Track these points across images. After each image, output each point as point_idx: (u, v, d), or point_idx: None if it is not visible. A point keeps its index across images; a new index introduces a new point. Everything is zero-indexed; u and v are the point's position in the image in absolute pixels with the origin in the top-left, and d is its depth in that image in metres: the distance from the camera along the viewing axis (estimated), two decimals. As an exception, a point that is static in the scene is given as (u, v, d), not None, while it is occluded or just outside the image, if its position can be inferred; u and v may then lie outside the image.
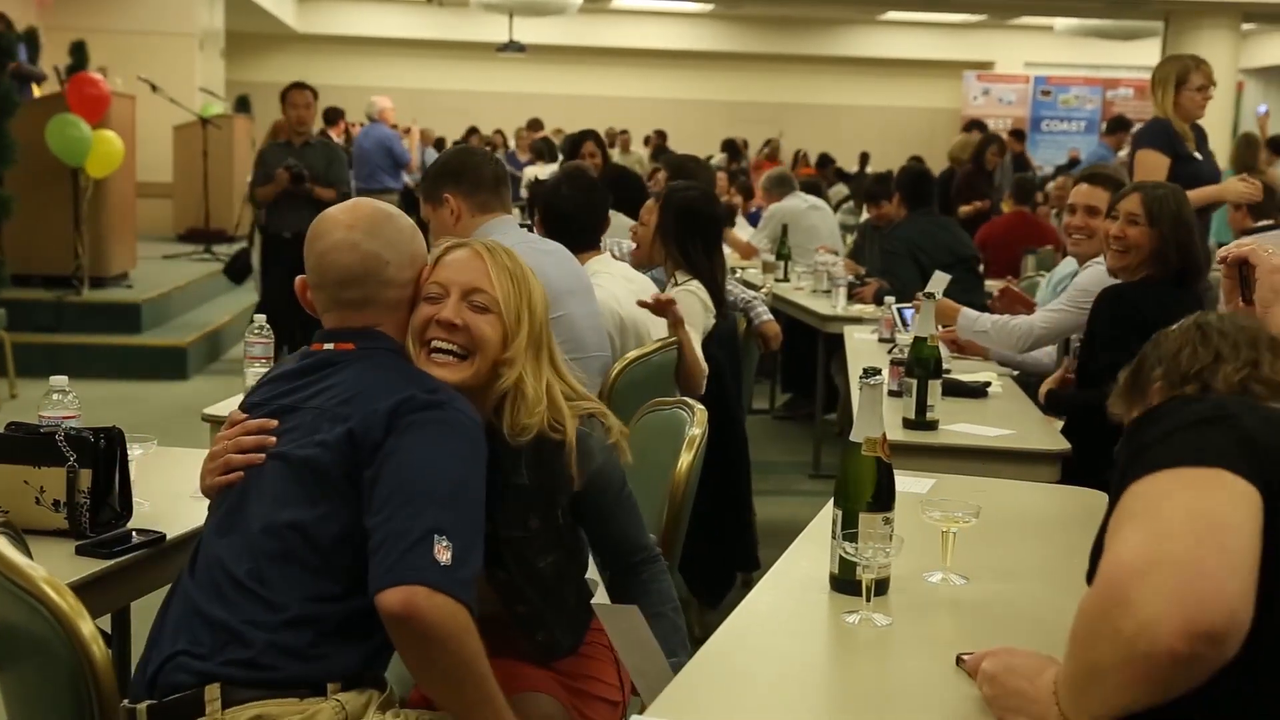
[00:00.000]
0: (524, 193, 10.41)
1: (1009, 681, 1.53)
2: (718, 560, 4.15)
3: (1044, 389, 3.69)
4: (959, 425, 3.38)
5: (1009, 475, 3.00)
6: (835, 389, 6.27)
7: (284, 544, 1.86)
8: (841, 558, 1.98)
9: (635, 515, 2.25)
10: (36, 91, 9.61)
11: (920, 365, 3.31)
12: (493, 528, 2.02)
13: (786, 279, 7.01)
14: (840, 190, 12.74)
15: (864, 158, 17.47)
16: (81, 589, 1.93)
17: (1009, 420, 3.51)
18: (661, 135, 16.69)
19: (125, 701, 1.84)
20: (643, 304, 3.72)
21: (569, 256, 3.41)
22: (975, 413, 3.56)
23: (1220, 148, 10.22)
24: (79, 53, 9.65)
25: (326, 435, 1.89)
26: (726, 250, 5.06)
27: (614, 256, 4.10)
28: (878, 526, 1.95)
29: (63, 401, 2.51)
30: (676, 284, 4.12)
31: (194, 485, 2.06)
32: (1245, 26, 17.36)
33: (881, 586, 1.97)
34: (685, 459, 2.73)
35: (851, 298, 6.03)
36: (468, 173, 3.30)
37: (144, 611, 2.14)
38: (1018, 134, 14.17)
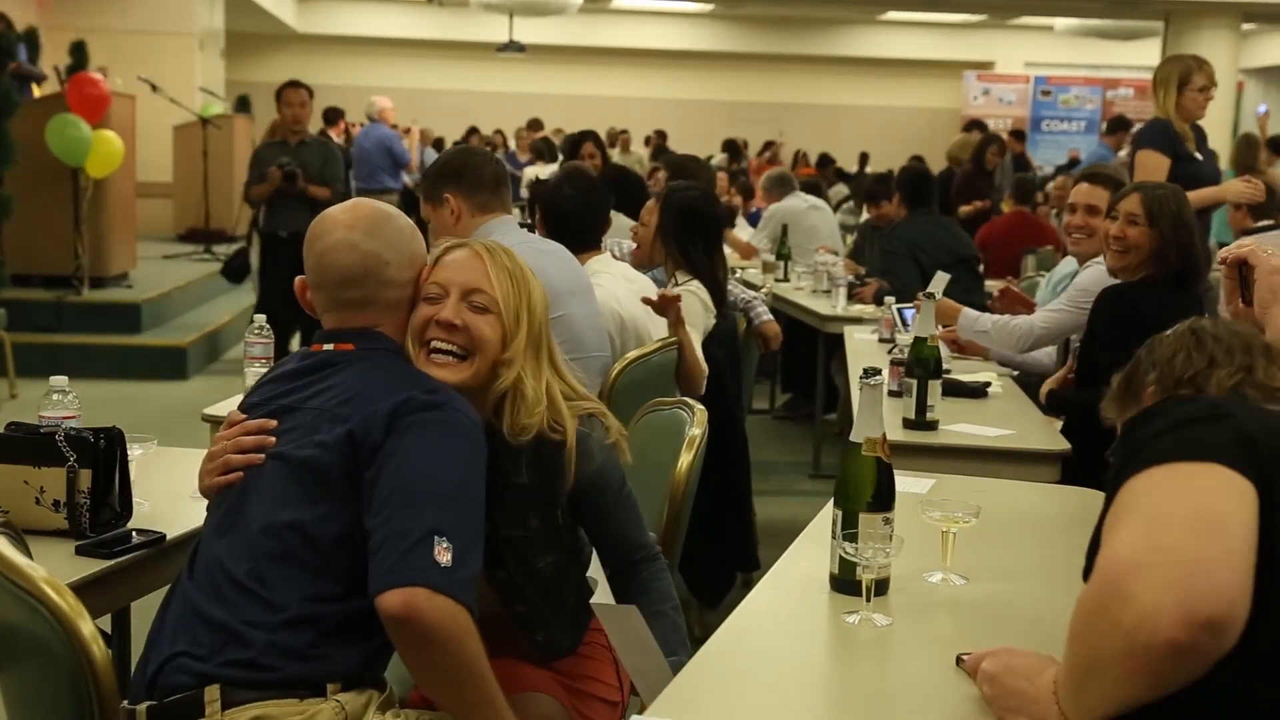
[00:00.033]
0: (524, 193, 10.41)
1: (1009, 681, 1.53)
2: (718, 560, 4.15)
3: (1045, 389, 3.69)
4: (959, 425, 3.38)
5: (1009, 475, 3.00)
6: (835, 389, 6.27)
7: (283, 544, 1.86)
8: (841, 558, 1.98)
9: (635, 514, 2.25)
10: (36, 91, 9.61)
11: (920, 365, 3.31)
12: (492, 527, 2.02)
13: (786, 279, 7.01)
14: (840, 190, 12.74)
15: (863, 158, 17.48)
16: (81, 589, 1.93)
17: (1009, 420, 3.51)
18: (661, 135, 16.70)
19: (125, 702, 1.84)
20: (647, 301, 3.72)
21: (569, 256, 3.42)
22: (975, 413, 3.56)
23: (1220, 148, 10.20)
24: (79, 53, 9.65)
25: (326, 436, 1.89)
26: (727, 250, 5.06)
27: (614, 257, 4.10)
28: (878, 527, 1.95)
29: (63, 401, 2.51)
30: (677, 284, 4.12)
31: (194, 485, 2.06)
32: (1245, 26, 17.37)
33: (881, 587, 1.97)
34: (685, 459, 2.73)
35: (851, 298, 6.03)
36: (468, 173, 3.30)
37: (144, 611, 2.14)
38: (1018, 134, 14.17)
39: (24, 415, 2.54)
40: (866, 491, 1.98)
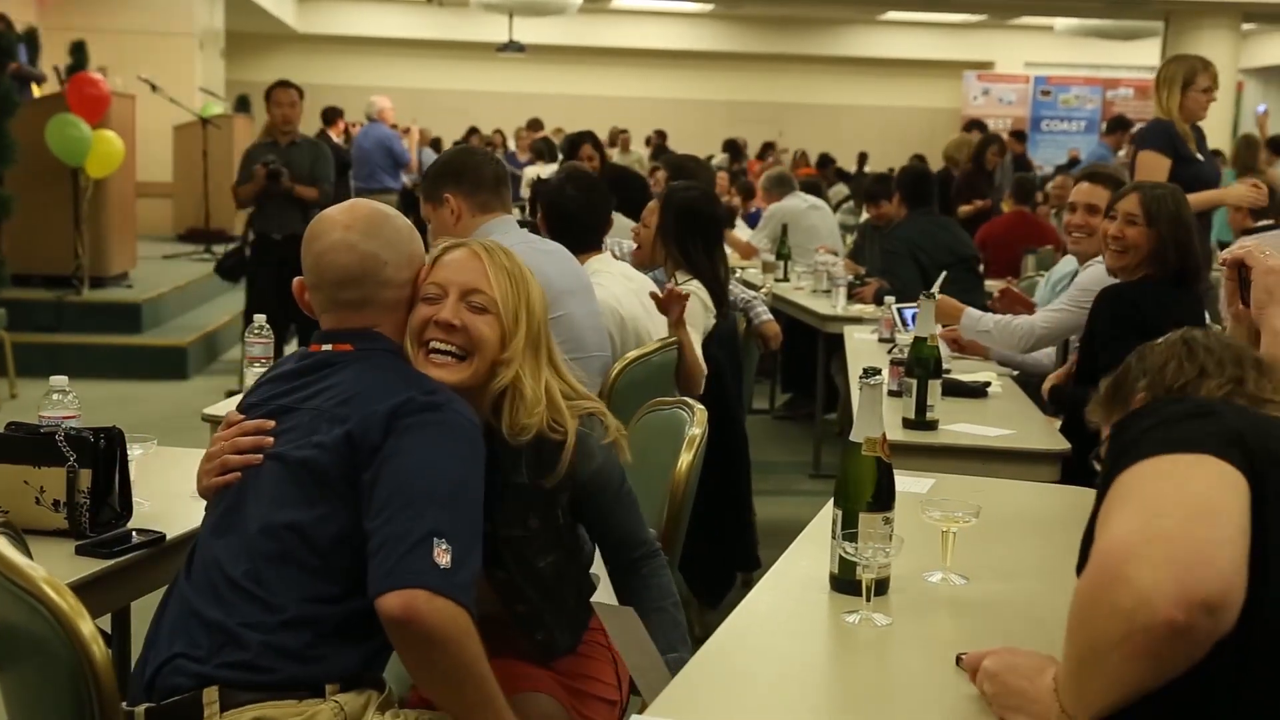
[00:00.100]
0: (524, 193, 10.41)
1: (1010, 680, 1.54)
2: (718, 560, 4.16)
3: (1048, 384, 3.69)
4: (959, 425, 3.38)
5: (1009, 475, 3.00)
6: (835, 389, 6.27)
7: (282, 545, 1.86)
8: (841, 557, 1.98)
9: (635, 511, 2.25)
10: (36, 92, 9.61)
11: (920, 365, 3.31)
12: (492, 527, 2.02)
13: (786, 279, 7.01)
14: (840, 190, 12.74)
15: (862, 157, 17.48)
16: (81, 589, 1.93)
17: (1009, 420, 3.51)
18: (661, 135, 16.69)
19: (124, 704, 1.84)
20: (654, 295, 3.73)
21: (569, 256, 3.41)
22: (975, 413, 3.56)
23: (1220, 147, 10.22)
24: (79, 53, 9.65)
25: (324, 437, 1.89)
26: (727, 250, 5.06)
27: (615, 257, 4.10)
28: (878, 526, 1.95)
29: (63, 401, 2.51)
30: (677, 284, 4.12)
31: (194, 485, 2.06)
32: (1245, 26, 17.37)
33: (881, 586, 1.97)
34: (685, 459, 2.73)
35: (851, 298, 6.04)
36: (468, 173, 3.30)
37: (144, 611, 2.14)
38: (1018, 134, 14.17)
39: (24, 415, 2.54)
40: (866, 491, 1.98)
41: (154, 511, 2.41)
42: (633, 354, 3.51)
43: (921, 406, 3.31)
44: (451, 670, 1.78)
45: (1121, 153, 10.46)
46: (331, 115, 11.99)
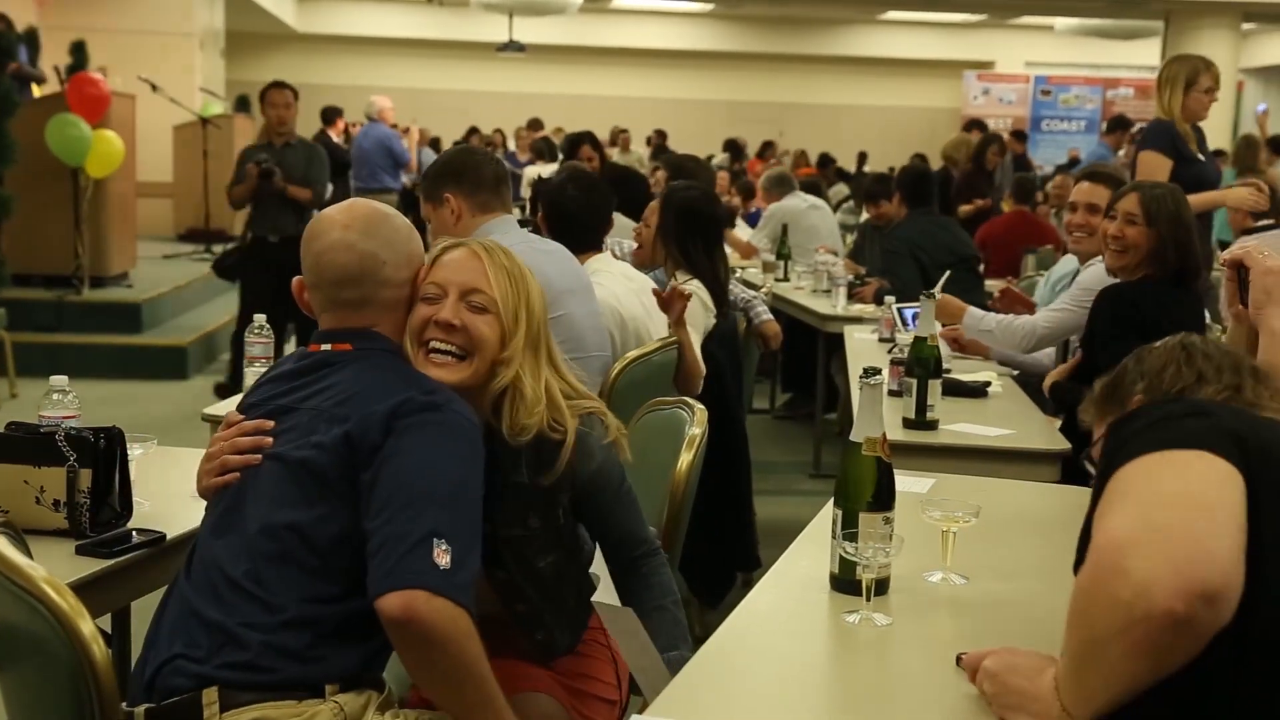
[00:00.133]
0: (524, 193, 10.40)
1: (1010, 680, 1.54)
2: (718, 560, 4.16)
3: (1049, 381, 3.68)
4: (959, 425, 3.38)
5: (1009, 475, 3.00)
6: (835, 389, 6.27)
7: (281, 545, 1.86)
8: (842, 557, 1.98)
9: (635, 510, 2.25)
10: (36, 91, 9.61)
11: (920, 365, 3.31)
12: (492, 527, 2.02)
13: (786, 279, 7.01)
14: (840, 190, 12.74)
15: (861, 157, 17.47)
16: (81, 589, 1.93)
17: (1009, 420, 3.51)
18: (661, 135, 16.69)
19: (124, 704, 1.84)
20: (656, 292, 3.72)
21: (569, 256, 3.41)
22: (975, 412, 3.56)
23: (1221, 147, 10.22)
24: (79, 52, 9.64)
25: (323, 437, 1.89)
26: (727, 250, 5.06)
27: (615, 256, 4.10)
28: (878, 526, 1.95)
29: (63, 401, 2.51)
30: (678, 284, 4.12)
31: (194, 485, 2.06)
32: (1245, 26, 17.37)
33: (881, 586, 1.97)
34: (685, 458, 2.73)
35: (851, 297, 6.04)
36: (468, 172, 3.30)
37: (144, 611, 2.14)
38: (1019, 135, 14.17)
39: (24, 415, 2.54)
40: (867, 491, 1.98)
41: (154, 511, 2.41)
42: (633, 354, 3.51)
43: (922, 406, 3.32)
44: (451, 670, 1.78)
45: (1121, 152, 10.47)
46: (331, 115, 11.98)
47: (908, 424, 3.32)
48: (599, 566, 2.28)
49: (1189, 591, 1.27)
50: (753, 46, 22.77)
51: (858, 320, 5.57)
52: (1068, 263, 4.68)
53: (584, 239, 3.76)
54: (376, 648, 1.87)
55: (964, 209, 8.82)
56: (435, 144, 15.89)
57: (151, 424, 5.78)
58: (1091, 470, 1.73)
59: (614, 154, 13.87)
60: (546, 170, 10.02)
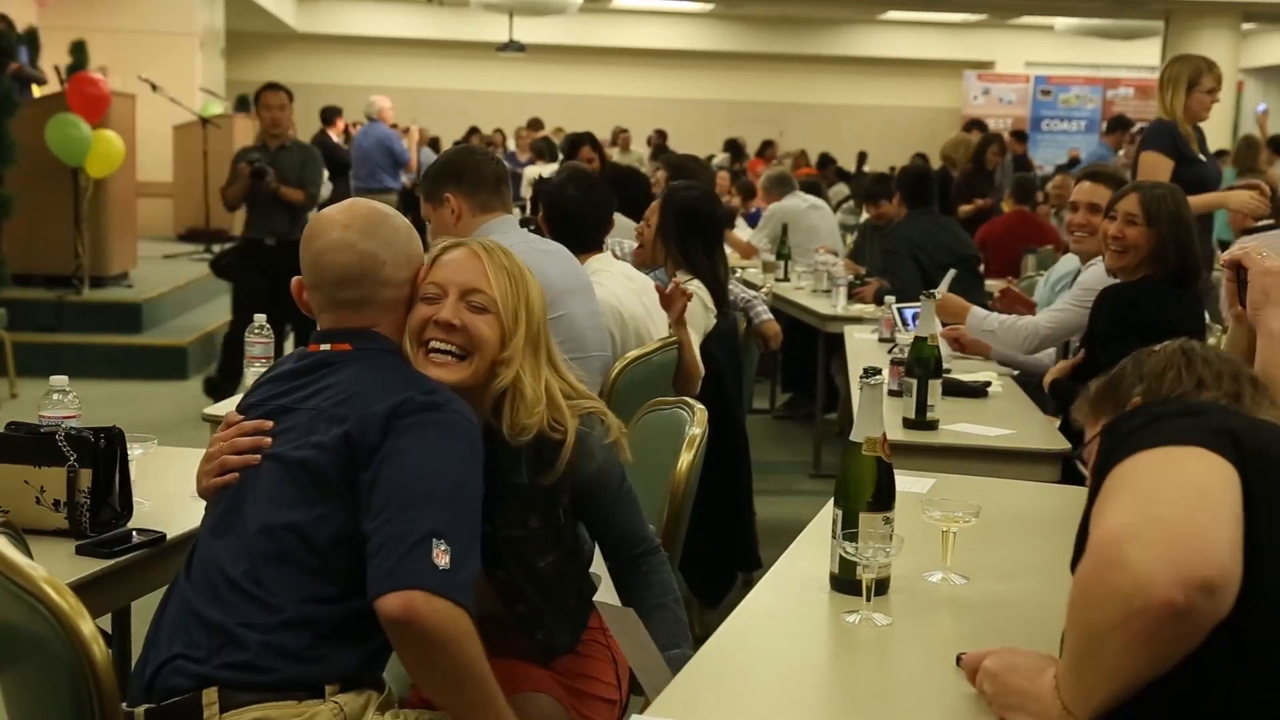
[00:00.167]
0: (524, 193, 10.40)
1: (1010, 680, 1.54)
2: (718, 560, 4.15)
3: (1049, 378, 3.68)
4: (959, 425, 3.38)
5: (1009, 475, 3.00)
6: (835, 389, 6.27)
7: (280, 545, 1.86)
8: (842, 557, 1.98)
9: (635, 509, 2.26)
10: (36, 91, 9.61)
11: (920, 365, 3.31)
12: (492, 527, 2.02)
13: (787, 279, 7.01)
14: (841, 190, 12.74)
15: (861, 157, 17.47)
16: (82, 589, 1.93)
17: (1009, 420, 3.51)
18: (662, 135, 16.69)
19: (124, 704, 1.84)
20: (659, 289, 3.72)
21: (569, 256, 3.41)
22: (975, 412, 3.56)
23: (1220, 147, 10.22)
24: (79, 52, 9.64)
25: (323, 437, 1.89)
26: (727, 250, 5.06)
27: (615, 256, 4.10)
28: (878, 526, 1.95)
29: (63, 401, 2.51)
30: (679, 282, 4.12)
31: (194, 485, 2.06)
32: (1245, 26, 17.37)
33: (882, 586, 1.97)
34: (685, 458, 2.73)
35: (852, 297, 6.04)
36: (469, 172, 3.30)
37: (144, 611, 2.14)
38: (1019, 135, 14.17)
39: (24, 415, 2.54)
40: (867, 491, 1.98)
41: (154, 511, 2.41)
42: (633, 353, 3.51)
43: (922, 406, 3.32)
44: (451, 670, 1.78)
45: (1121, 152, 10.46)
46: (330, 115, 11.98)
47: (908, 424, 3.32)
48: (599, 566, 2.28)
49: (1188, 582, 1.28)
50: (753, 46, 22.77)
51: (858, 320, 5.57)
52: (1067, 262, 4.68)
53: (584, 239, 3.76)
54: (376, 648, 1.87)
55: (964, 209, 8.81)
56: (434, 144, 15.90)
57: (151, 424, 5.77)
58: (1083, 470, 1.74)
59: (614, 154, 13.86)
60: (547, 170, 10.02)
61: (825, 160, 15.09)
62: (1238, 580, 1.31)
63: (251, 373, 3.18)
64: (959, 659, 1.69)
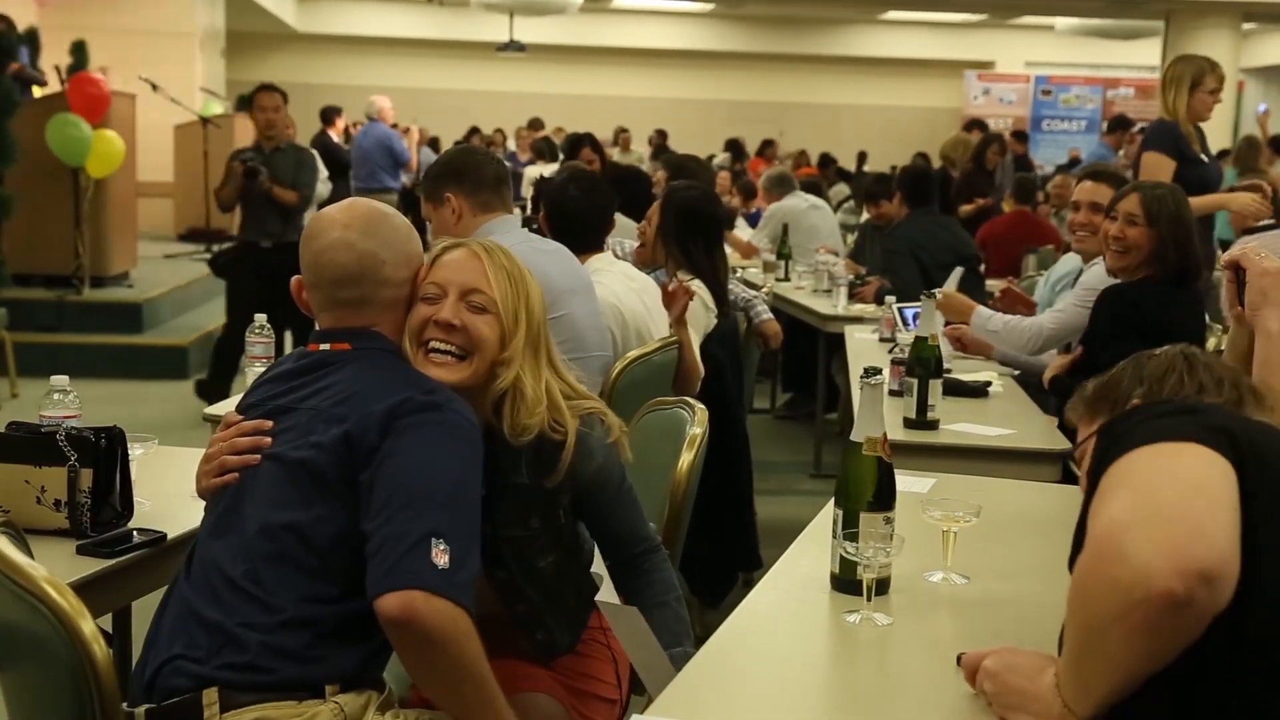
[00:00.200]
0: (525, 192, 10.40)
1: (1010, 679, 1.54)
2: (719, 560, 4.15)
3: (1049, 374, 3.68)
4: (960, 425, 3.38)
5: (1010, 475, 3.00)
6: (836, 388, 6.27)
7: (280, 545, 1.86)
8: (842, 557, 1.98)
9: (635, 508, 2.26)
10: (37, 92, 9.61)
11: (921, 365, 3.31)
12: (493, 527, 2.02)
13: (787, 278, 7.01)
14: (841, 190, 12.74)
15: (861, 157, 17.47)
16: (82, 588, 1.94)
17: (1010, 420, 3.51)
18: (662, 135, 16.69)
19: (124, 704, 1.84)
20: (663, 286, 3.74)
21: (569, 256, 3.42)
22: (976, 412, 3.56)
23: (1220, 148, 10.22)
24: (79, 52, 9.64)
25: (322, 437, 1.88)
26: (727, 250, 5.06)
27: (616, 256, 4.10)
28: (878, 526, 1.95)
29: (64, 401, 2.51)
30: (682, 281, 4.11)
31: (194, 485, 2.06)
32: (1246, 26, 17.37)
33: (882, 586, 1.97)
34: (686, 458, 2.73)
35: (852, 297, 6.04)
36: (469, 172, 3.30)
37: (145, 611, 2.14)
38: (1020, 135, 14.16)
39: (25, 415, 2.54)
40: (867, 491, 1.98)
41: (155, 511, 2.41)
42: (634, 353, 3.51)
43: (922, 406, 3.32)
44: (450, 670, 1.78)
45: (1120, 152, 10.46)
46: (329, 114, 11.97)
47: (908, 424, 3.32)
48: (600, 566, 2.28)
49: (1187, 572, 1.28)
50: (753, 46, 22.77)
51: (858, 320, 5.57)
52: (1067, 262, 4.68)
53: (585, 239, 3.76)
54: (376, 648, 1.87)
55: (965, 209, 8.81)
56: (434, 144, 15.89)
57: (152, 424, 5.77)
58: (1076, 470, 1.75)
59: (614, 154, 13.86)
60: (547, 170, 10.03)
61: (826, 160, 15.09)
62: (1236, 571, 1.32)
63: (252, 373, 3.18)
64: (959, 659, 1.69)
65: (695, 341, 3.90)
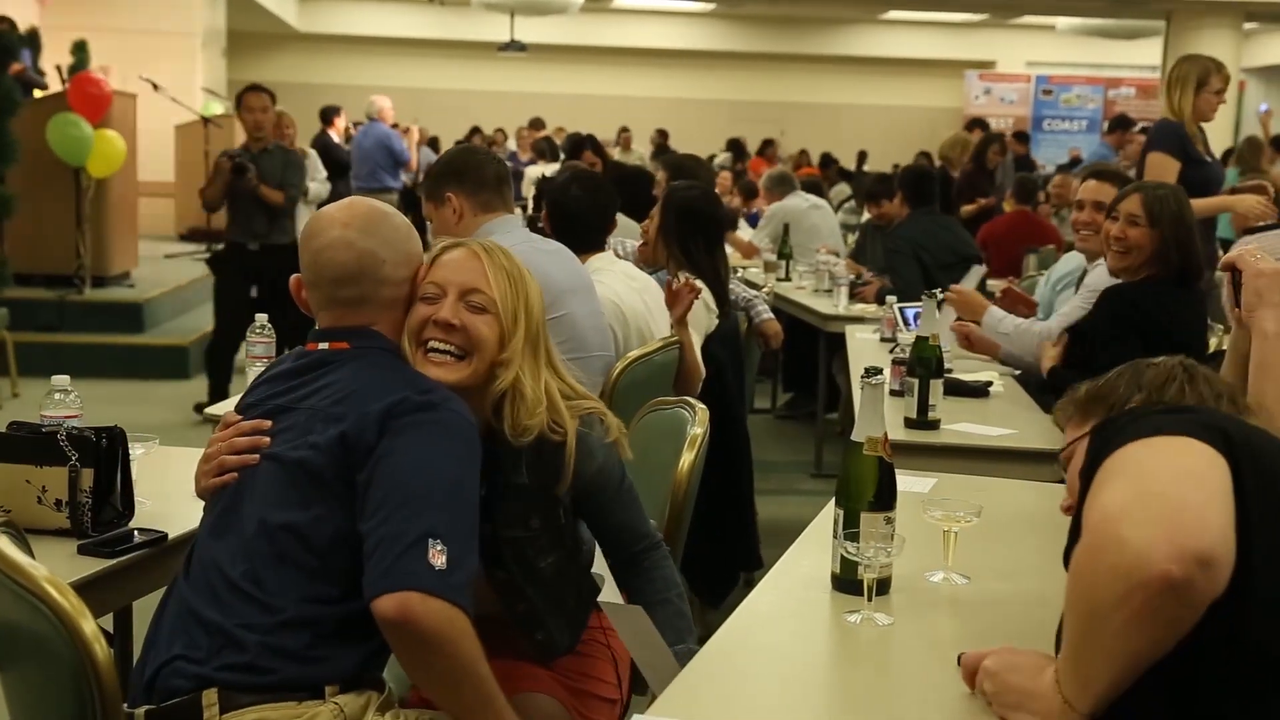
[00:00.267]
0: (525, 192, 10.40)
1: (1010, 679, 1.54)
2: (720, 560, 4.15)
3: (1047, 364, 3.66)
4: (961, 425, 3.38)
5: (1011, 475, 3.00)
6: (837, 388, 6.27)
7: (279, 546, 1.85)
8: (843, 557, 1.98)
9: (636, 506, 2.26)
10: (37, 93, 9.61)
11: (922, 365, 3.31)
12: (494, 528, 2.02)
13: (788, 278, 7.01)
14: (842, 190, 12.74)
15: (861, 156, 17.46)
16: (83, 588, 1.93)
17: (1011, 420, 3.51)
18: (663, 135, 16.69)
19: (124, 705, 1.84)
20: (668, 284, 3.75)
21: (570, 256, 3.41)
22: (977, 412, 3.56)
23: (1221, 147, 10.22)
24: (80, 52, 9.64)
25: (319, 437, 1.88)
26: (728, 250, 5.06)
27: (618, 255, 4.10)
28: (879, 526, 1.95)
29: (65, 401, 2.51)
30: (689, 279, 4.11)
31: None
32: (1247, 26, 17.36)
33: (883, 586, 1.97)
34: (687, 458, 2.72)
35: (853, 297, 6.04)
36: (470, 172, 3.30)
37: (146, 611, 2.14)
38: (1022, 136, 14.15)
39: (26, 414, 2.54)
40: (868, 491, 1.98)
41: (156, 511, 2.41)
42: (634, 353, 3.51)
43: (923, 406, 3.31)
44: (448, 671, 1.78)
45: (1121, 152, 10.45)
46: (329, 114, 11.96)
47: (909, 424, 3.32)
48: (602, 567, 2.28)
49: (1183, 555, 1.29)
50: (754, 46, 22.77)
51: (859, 320, 5.57)
52: (1068, 262, 4.68)
53: (587, 239, 3.76)
54: (376, 648, 1.87)
55: (967, 209, 8.81)
56: (434, 143, 15.88)
57: (153, 423, 5.77)
58: (1063, 473, 1.76)
59: (615, 153, 13.86)
60: (548, 170, 10.03)
61: (827, 160, 15.09)
62: (1232, 557, 1.33)
63: (253, 372, 3.18)
64: (960, 659, 1.69)
65: (696, 342, 3.90)
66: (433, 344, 2.04)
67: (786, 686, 1.72)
